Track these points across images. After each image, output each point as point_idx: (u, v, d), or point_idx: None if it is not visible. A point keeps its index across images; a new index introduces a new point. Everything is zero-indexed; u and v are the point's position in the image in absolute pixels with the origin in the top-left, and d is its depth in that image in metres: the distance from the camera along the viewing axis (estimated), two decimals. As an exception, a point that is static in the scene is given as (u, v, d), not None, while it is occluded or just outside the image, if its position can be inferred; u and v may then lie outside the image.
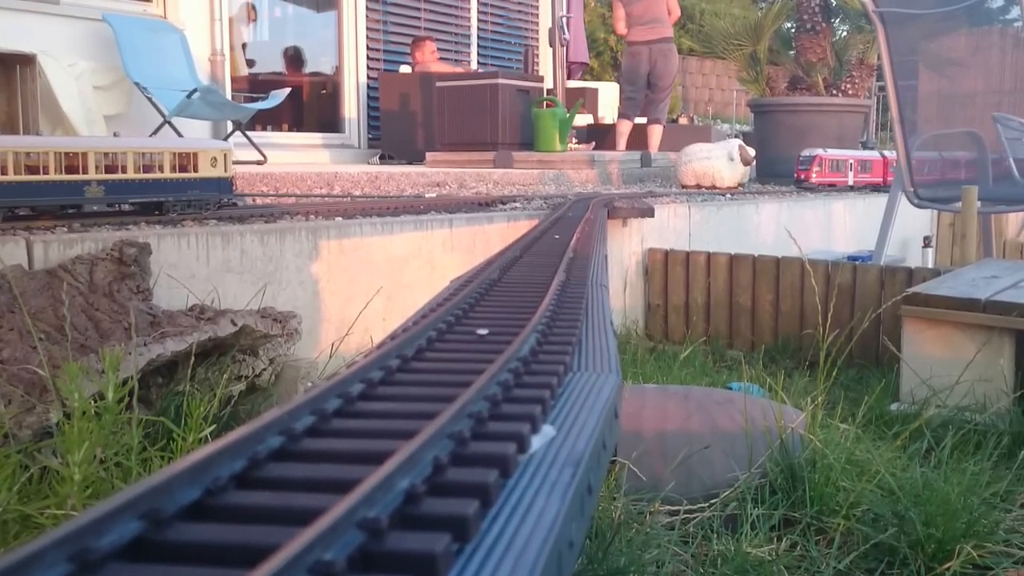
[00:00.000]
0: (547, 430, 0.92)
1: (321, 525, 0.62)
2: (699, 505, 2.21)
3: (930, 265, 6.62)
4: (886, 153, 7.86)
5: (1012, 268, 3.89)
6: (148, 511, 0.66)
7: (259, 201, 4.39)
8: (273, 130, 8.90)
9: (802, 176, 7.08)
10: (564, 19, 8.57)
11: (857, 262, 4.61)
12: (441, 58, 9.35)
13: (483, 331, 1.30)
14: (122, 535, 0.63)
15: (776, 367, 3.84)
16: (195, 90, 6.32)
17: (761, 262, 4.58)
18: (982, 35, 5.82)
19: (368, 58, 9.27)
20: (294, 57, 10.62)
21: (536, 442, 0.89)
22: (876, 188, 7.61)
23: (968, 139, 5.71)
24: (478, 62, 10.49)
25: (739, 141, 8.85)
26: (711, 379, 3.64)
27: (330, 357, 3.07)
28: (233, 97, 7.85)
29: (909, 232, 7.11)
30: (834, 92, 9.60)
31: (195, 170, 3.25)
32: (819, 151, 7.15)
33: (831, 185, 7.21)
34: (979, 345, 3.11)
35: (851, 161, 7.49)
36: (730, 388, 3.11)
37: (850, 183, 7.41)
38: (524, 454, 0.86)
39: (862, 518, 2.11)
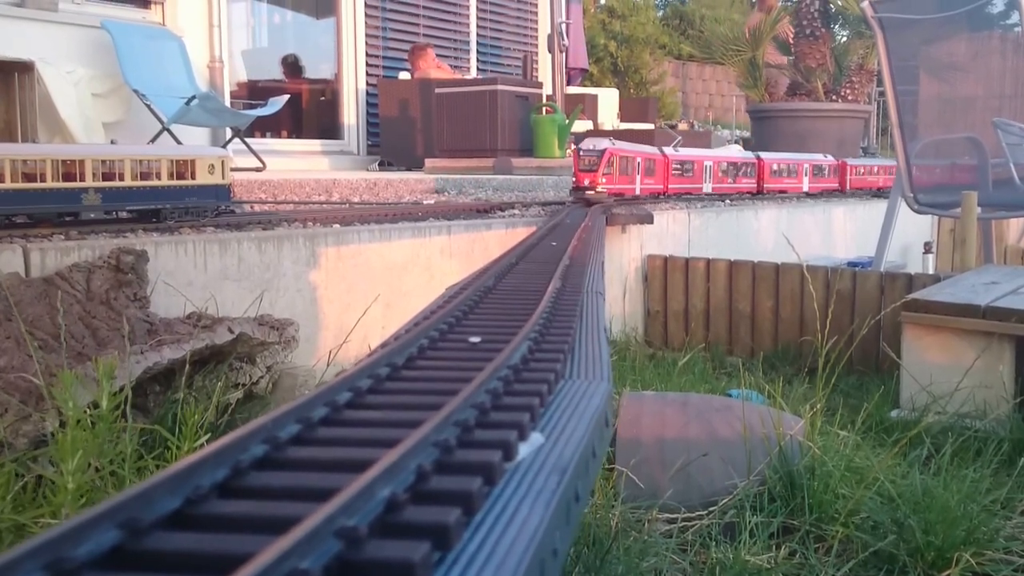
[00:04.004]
0: (536, 438, 0.91)
1: (297, 534, 0.61)
2: (697, 513, 2.20)
3: (930, 271, 6.61)
4: (689, 151, 6.06)
5: (1012, 274, 3.88)
6: (127, 520, 0.65)
7: (257, 208, 4.38)
8: (272, 137, 8.90)
9: (585, 181, 4.75)
10: (563, 25, 8.57)
11: (857, 268, 4.60)
12: (440, 64, 9.36)
13: (475, 339, 1.29)
14: (100, 544, 0.63)
15: (776, 374, 3.83)
16: (194, 97, 6.32)
17: (761, 268, 4.57)
18: (982, 40, 5.81)
19: (367, 64, 9.27)
20: (293, 64, 10.62)
21: (524, 450, 0.88)
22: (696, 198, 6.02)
23: (968, 144, 5.70)
24: (477, 68, 10.49)
25: (738, 146, 8.83)
26: (710, 386, 3.63)
27: (328, 365, 3.06)
28: (232, 104, 7.84)
29: (910, 238, 7.10)
30: (834, 97, 9.61)
31: (192, 177, 3.24)
32: (606, 143, 4.87)
33: (619, 195, 4.99)
34: (979, 351, 3.10)
35: (638, 159, 5.26)
36: (730, 395, 3.09)
37: (637, 191, 5.25)
38: (511, 462, 0.85)
39: (861, 525, 2.10)
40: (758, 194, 6.61)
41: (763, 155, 6.81)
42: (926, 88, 5.85)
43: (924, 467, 2.44)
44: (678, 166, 5.75)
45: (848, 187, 7.64)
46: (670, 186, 5.66)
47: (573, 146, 5.29)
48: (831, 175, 7.52)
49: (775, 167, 6.79)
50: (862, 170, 7.88)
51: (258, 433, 0.84)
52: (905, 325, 3.32)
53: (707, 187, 6.09)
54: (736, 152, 7.93)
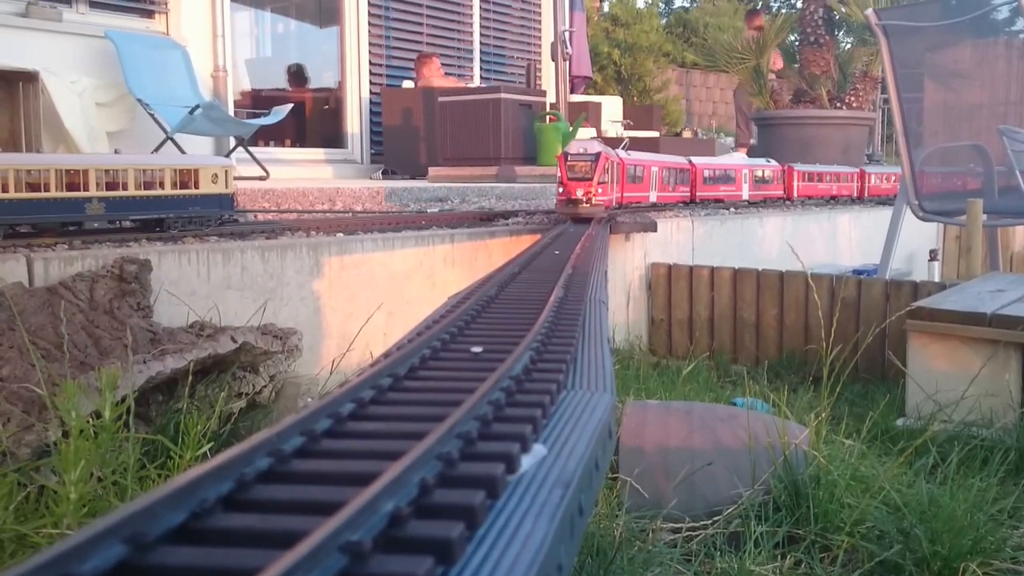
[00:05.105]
0: (538, 450, 0.91)
1: (302, 549, 0.61)
2: (702, 522, 2.19)
3: (936, 279, 6.59)
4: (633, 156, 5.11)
5: (1018, 282, 3.86)
6: (132, 535, 0.65)
7: (260, 217, 4.39)
8: (276, 146, 8.91)
9: (578, 192, 4.05)
10: (566, 33, 8.57)
11: (862, 276, 4.59)
12: (445, 74, 9.37)
13: (477, 349, 1.29)
14: (105, 559, 0.62)
15: (780, 382, 3.81)
16: (197, 106, 6.33)
17: (765, 276, 4.56)
18: (987, 47, 5.80)
19: (371, 73, 9.29)
20: (297, 73, 10.65)
21: (526, 462, 0.87)
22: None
23: (974, 152, 5.69)
24: (481, 77, 10.51)
25: (742, 154, 8.79)
26: (715, 394, 3.61)
27: (331, 373, 3.06)
28: (235, 113, 7.86)
29: (915, 245, 7.09)
30: (838, 105, 9.60)
31: (196, 186, 3.25)
32: (597, 146, 4.23)
33: (620, 204, 4.35)
34: (985, 359, 3.09)
35: (616, 164, 4.60)
36: (734, 404, 3.08)
37: (614, 202, 4.55)
38: (514, 474, 0.85)
39: (867, 535, 2.09)
40: (691, 203, 5.90)
41: (695, 160, 6.10)
42: (931, 95, 5.84)
43: (930, 476, 2.43)
44: (631, 171, 4.84)
45: (795, 195, 6.95)
46: (625, 194, 4.75)
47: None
48: (775, 182, 6.82)
49: (708, 173, 6.06)
50: (812, 177, 7.20)
51: (262, 446, 0.84)
52: (910, 333, 3.31)
53: (653, 196, 5.21)
54: (739, 159, 7.89)
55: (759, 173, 6.64)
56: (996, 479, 2.36)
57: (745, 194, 6.48)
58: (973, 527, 2.02)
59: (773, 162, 7.08)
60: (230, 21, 7.81)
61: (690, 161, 5.95)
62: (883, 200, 7.71)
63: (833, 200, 7.36)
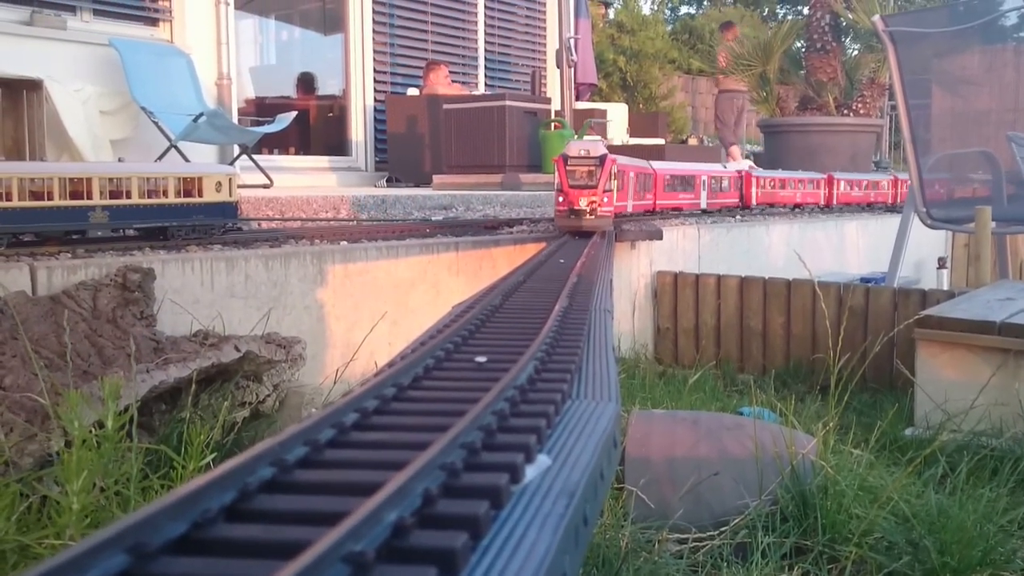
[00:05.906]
0: (542, 460, 0.90)
1: (305, 559, 0.60)
2: (708, 533, 2.17)
3: (945, 287, 6.57)
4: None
5: (1026, 289, 3.84)
6: (134, 545, 0.64)
7: (264, 225, 4.38)
8: (280, 153, 8.92)
9: (582, 202, 3.60)
10: (572, 40, 8.56)
11: (870, 284, 4.57)
12: (453, 81, 9.37)
13: (482, 359, 1.28)
14: (107, 569, 0.62)
15: (788, 391, 3.80)
16: (201, 114, 6.33)
17: (772, 284, 4.55)
18: (995, 53, 5.79)
19: (375, 81, 9.29)
20: (306, 81, 10.67)
21: (531, 472, 0.86)
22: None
23: (982, 159, 5.67)
24: (486, 84, 10.51)
25: (749, 162, 8.76)
26: (721, 404, 3.60)
27: (335, 383, 3.05)
28: (240, 121, 7.86)
29: (923, 253, 7.07)
30: (845, 112, 9.60)
31: (200, 195, 3.24)
32: (601, 148, 3.77)
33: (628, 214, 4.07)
34: (994, 368, 3.07)
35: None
36: (741, 413, 3.07)
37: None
38: (518, 484, 0.84)
39: (875, 546, 2.08)
40: (652, 212, 5.27)
41: (656, 165, 5.40)
42: (939, 102, 5.83)
43: (939, 486, 2.41)
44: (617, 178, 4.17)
45: (754, 202, 6.52)
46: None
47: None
48: (732, 189, 6.38)
49: (668, 179, 5.44)
50: (774, 184, 6.78)
51: (265, 456, 0.83)
52: (919, 342, 3.29)
53: (630, 205, 4.56)
54: (745, 165, 7.86)
55: (717, 179, 6.19)
56: (1006, 489, 2.34)
57: (703, 203, 5.93)
58: (983, 538, 2.01)
59: (731, 166, 6.89)
60: (234, 29, 7.82)
61: (650, 165, 5.30)
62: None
63: (797, 208, 7.07)
